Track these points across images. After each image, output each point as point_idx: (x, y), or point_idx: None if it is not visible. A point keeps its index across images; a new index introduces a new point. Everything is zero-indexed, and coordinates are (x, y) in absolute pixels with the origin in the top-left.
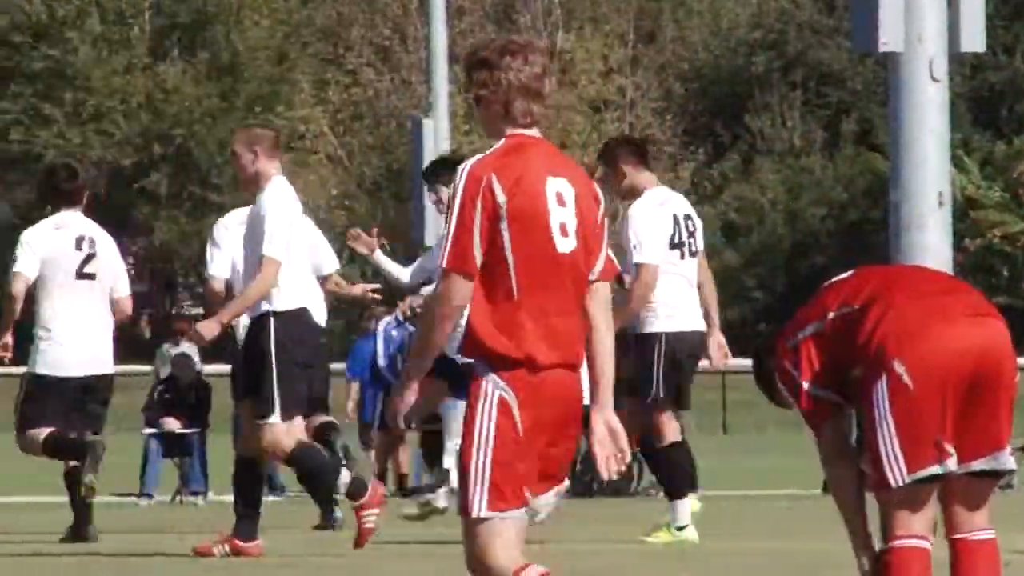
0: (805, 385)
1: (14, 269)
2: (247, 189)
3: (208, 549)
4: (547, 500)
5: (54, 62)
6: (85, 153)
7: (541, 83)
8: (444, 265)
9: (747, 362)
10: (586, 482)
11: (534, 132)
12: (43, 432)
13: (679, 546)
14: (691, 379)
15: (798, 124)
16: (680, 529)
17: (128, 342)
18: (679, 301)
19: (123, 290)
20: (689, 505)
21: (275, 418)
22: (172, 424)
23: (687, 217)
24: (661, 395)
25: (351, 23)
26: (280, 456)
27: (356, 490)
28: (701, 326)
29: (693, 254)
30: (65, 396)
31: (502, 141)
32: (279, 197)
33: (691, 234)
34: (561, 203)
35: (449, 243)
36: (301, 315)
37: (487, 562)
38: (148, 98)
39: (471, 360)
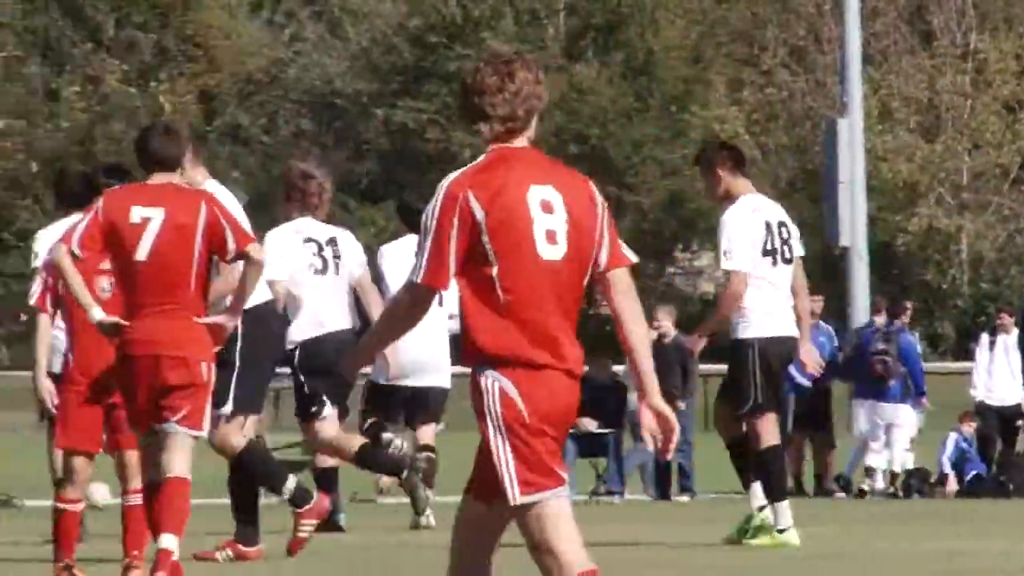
0: None
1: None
2: None
3: (210, 554)
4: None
5: (469, 62)
6: None
7: (508, 107)
8: (417, 279)
9: None
10: (1001, 482)
11: (521, 142)
12: None
13: (781, 549)
14: (781, 384)
15: None
16: (781, 531)
17: None
18: (771, 307)
19: None
20: (788, 507)
21: (227, 408)
22: (588, 424)
23: (781, 224)
24: (759, 400)
25: (766, 23)
26: (228, 455)
27: (299, 498)
28: (793, 332)
29: (787, 261)
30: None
31: (483, 155)
32: None
33: (785, 241)
34: (547, 210)
35: (425, 259)
36: (263, 310)
37: (548, 547)
38: (563, 98)
39: (471, 367)
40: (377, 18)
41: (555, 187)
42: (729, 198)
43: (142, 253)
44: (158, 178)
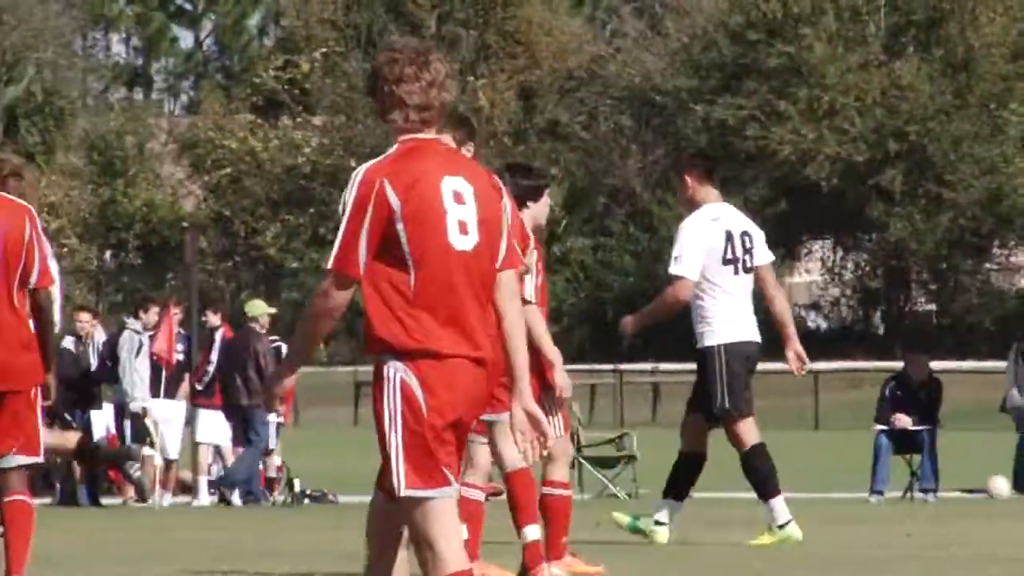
0: None
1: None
2: None
3: None
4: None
5: (789, 59)
6: (820, 149)
7: (424, 96)
8: (329, 266)
9: None
10: None
11: (429, 133)
12: None
13: (785, 544)
14: (749, 388)
15: None
16: (781, 527)
17: (858, 339)
18: (731, 315)
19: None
20: (783, 502)
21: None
22: (903, 421)
23: (744, 233)
24: (727, 406)
25: None
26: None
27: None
28: (755, 337)
29: (748, 270)
30: None
31: (396, 146)
32: None
33: (747, 251)
34: (459, 201)
35: (337, 245)
36: None
37: (428, 541)
38: (883, 95)
39: (376, 356)
40: (698, 14)
41: (466, 178)
42: (693, 204)
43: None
44: None
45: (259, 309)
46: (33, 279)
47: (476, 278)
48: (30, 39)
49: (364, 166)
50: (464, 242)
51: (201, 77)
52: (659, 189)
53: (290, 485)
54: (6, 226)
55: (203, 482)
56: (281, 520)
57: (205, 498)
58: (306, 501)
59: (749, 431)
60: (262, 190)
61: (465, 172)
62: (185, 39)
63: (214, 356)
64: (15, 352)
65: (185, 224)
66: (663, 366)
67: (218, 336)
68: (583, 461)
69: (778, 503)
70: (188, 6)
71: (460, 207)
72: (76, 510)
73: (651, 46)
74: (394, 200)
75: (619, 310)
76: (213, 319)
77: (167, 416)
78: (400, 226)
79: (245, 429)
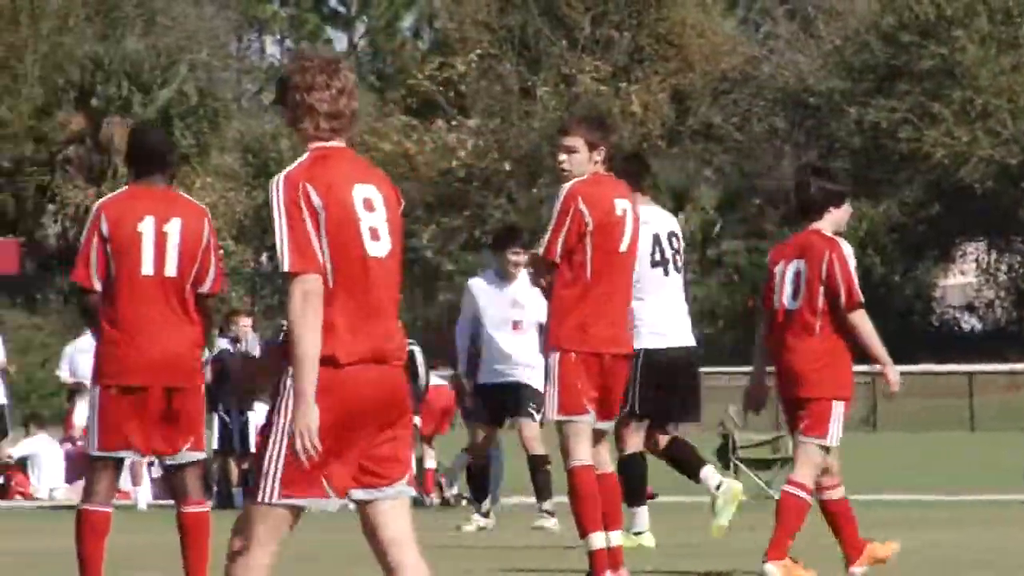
0: None
1: None
2: None
3: None
4: (373, 494)
5: (942, 60)
6: (973, 152)
7: (334, 104)
8: (289, 270)
9: None
10: None
11: (338, 142)
12: None
13: (637, 551)
14: (688, 392)
15: None
16: (637, 534)
17: (1014, 340)
18: (662, 318)
19: None
20: (646, 512)
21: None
22: None
23: (671, 235)
24: (636, 409)
25: None
26: None
27: None
28: (688, 341)
29: (679, 269)
30: None
31: (307, 153)
32: None
33: (676, 251)
34: (369, 208)
35: (287, 248)
36: None
37: (247, 544)
38: None
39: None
40: (850, 16)
41: (375, 186)
42: None
43: (624, 245)
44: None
45: None
46: (207, 285)
47: (388, 284)
48: (184, 41)
49: (281, 173)
50: (377, 248)
51: None
52: None
53: (439, 486)
54: (186, 227)
55: None
56: (431, 520)
57: None
58: (463, 503)
59: (634, 437)
60: (417, 193)
61: (373, 180)
62: (339, 41)
63: None
64: (189, 348)
65: None
66: None
67: None
68: (739, 463)
69: (641, 512)
70: (342, 8)
71: (371, 214)
72: (233, 512)
73: (804, 48)
74: (317, 201)
75: None
76: None
77: None
78: (322, 230)
79: None
